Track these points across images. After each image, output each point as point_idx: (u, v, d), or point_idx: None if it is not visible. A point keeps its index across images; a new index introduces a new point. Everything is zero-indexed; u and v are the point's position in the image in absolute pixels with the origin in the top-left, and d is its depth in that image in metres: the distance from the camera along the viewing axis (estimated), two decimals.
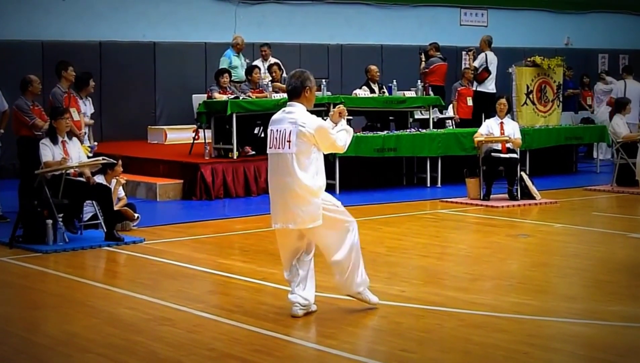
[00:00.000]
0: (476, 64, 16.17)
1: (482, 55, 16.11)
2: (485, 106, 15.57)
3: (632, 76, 17.71)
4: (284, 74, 14.91)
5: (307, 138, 6.28)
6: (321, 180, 6.40)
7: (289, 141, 6.28)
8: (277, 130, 6.39)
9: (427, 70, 16.71)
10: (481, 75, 16.01)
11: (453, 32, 20.92)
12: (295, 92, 6.44)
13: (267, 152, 6.51)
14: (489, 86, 16.06)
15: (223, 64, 15.38)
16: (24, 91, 10.82)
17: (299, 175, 6.27)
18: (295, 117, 6.35)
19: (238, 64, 15.56)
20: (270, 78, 15.11)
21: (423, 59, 16.95)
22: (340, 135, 6.50)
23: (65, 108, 10.31)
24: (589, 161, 17.50)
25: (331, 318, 6.29)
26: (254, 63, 15.49)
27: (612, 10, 24.01)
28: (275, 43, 17.29)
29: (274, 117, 6.53)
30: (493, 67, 16.03)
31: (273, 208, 6.49)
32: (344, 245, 6.47)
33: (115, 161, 10.25)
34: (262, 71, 15.29)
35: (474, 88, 16.38)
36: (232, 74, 14.80)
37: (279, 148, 6.35)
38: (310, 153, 6.32)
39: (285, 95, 13.58)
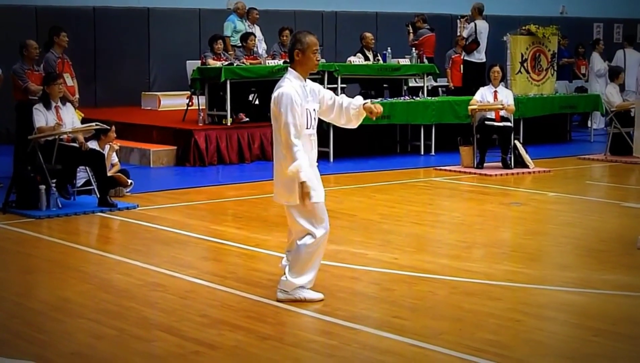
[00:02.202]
0: (465, 34, 16.07)
1: (472, 25, 16.01)
2: (474, 76, 15.52)
3: (632, 46, 17.66)
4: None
5: (275, 109, 5.91)
6: (296, 159, 5.79)
7: (269, 113, 6.06)
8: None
9: (416, 42, 16.61)
10: (470, 46, 15.92)
11: (447, 0, 20.77)
12: (289, 56, 6.14)
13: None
14: (478, 56, 15.98)
15: (227, 29, 15.23)
16: (21, 55, 10.79)
17: (280, 148, 5.93)
18: (277, 85, 6.01)
19: (242, 28, 15.39)
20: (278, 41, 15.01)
21: (410, 31, 16.85)
22: (297, 154, 5.76)
23: (58, 74, 10.25)
24: (583, 130, 17.49)
25: (323, 285, 6.28)
26: (249, 31, 15.36)
27: None
28: (270, 10, 17.18)
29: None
30: (483, 37, 15.93)
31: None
32: (296, 244, 6.06)
33: (108, 127, 10.19)
34: (258, 37, 15.17)
35: (463, 57, 16.31)
36: (236, 40, 14.67)
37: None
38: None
39: (280, 62, 13.71)
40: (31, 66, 10.77)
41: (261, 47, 15.26)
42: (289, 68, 6.12)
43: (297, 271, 6.03)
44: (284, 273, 6.08)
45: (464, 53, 16.22)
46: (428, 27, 16.87)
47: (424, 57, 15.73)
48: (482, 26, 15.95)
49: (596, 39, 19.74)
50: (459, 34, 17.79)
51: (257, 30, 15.61)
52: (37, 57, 10.93)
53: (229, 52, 14.51)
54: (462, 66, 16.47)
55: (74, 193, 9.85)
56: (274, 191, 6.14)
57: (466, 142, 12.58)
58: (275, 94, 5.93)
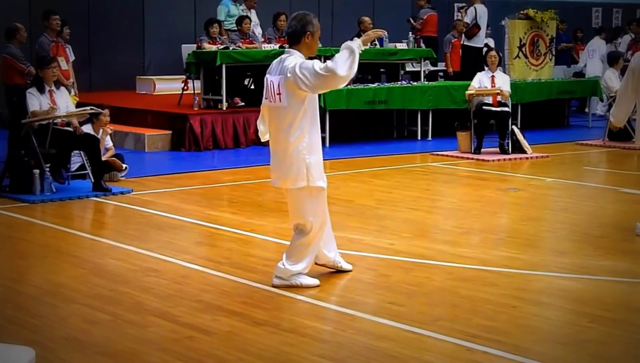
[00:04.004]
0: (467, 20, 15.98)
1: (472, 9, 15.94)
2: (474, 61, 15.45)
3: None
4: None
5: (292, 86, 5.72)
6: (309, 139, 5.84)
7: (279, 94, 5.83)
8: (270, 81, 5.88)
9: (422, 20, 16.56)
10: (472, 30, 15.85)
11: None
12: (295, 37, 5.85)
13: (263, 103, 6.04)
14: (478, 41, 15.91)
15: (221, 13, 15.11)
16: (10, 39, 10.69)
17: (290, 130, 5.82)
18: (285, 64, 5.78)
19: (236, 12, 15.29)
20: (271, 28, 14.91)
21: (413, 23, 16.79)
22: (339, 57, 5.65)
23: (53, 57, 10.18)
24: (581, 115, 17.44)
25: (319, 270, 6.26)
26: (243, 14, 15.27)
27: None
28: None
29: (272, 65, 6.00)
30: (483, 21, 15.89)
31: (270, 163, 6.10)
32: (296, 230, 6.04)
33: (102, 111, 10.13)
34: (254, 22, 15.08)
35: (462, 42, 16.24)
36: (231, 23, 14.58)
37: (271, 100, 5.91)
38: (301, 106, 5.79)
39: (276, 46, 13.65)
40: (21, 50, 10.70)
41: (257, 31, 15.17)
42: (292, 50, 5.90)
43: (295, 258, 6.00)
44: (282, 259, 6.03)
45: (464, 38, 16.12)
46: (430, 5, 16.83)
47: (421, 41, 15.67)
48: (482, 10, 15.87)
49: (601, 27, 19.70)
50: (457, 17, 17.73)
51: (253, 14, 15.52)
52: (24, 42, 10.88)
53: (224, 37, 14.42)
54: (461, 50, 16.40)
55: (68, 177, 9.80)
56: (274, 175, 6.04)
57: (463, 127, 12.54)
58: (293, 65, 5.67)
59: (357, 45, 5.72)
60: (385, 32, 6.09)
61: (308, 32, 5.84)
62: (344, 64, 5.65)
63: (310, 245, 6.03)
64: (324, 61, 5.92)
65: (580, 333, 5.17)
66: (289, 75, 5.73)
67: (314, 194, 5.94)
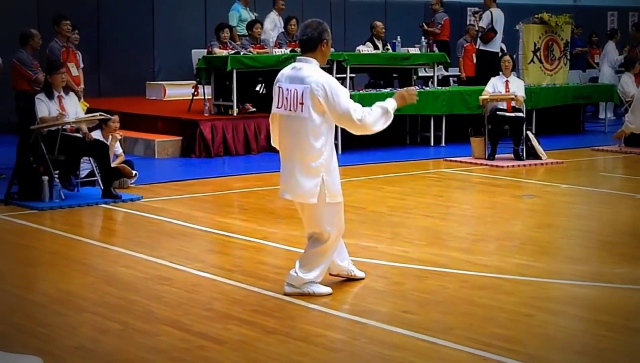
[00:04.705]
0: (483, 24, 15.83)
1: (487, 13, 15.78)
2: (489, 66, 15.35)
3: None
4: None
5: (316, 100, 5.64)
6: (327, 154, 5.75)
7: (302, 103, 5.68)
8: (287, 89, 5.73)
9: (441, 25, 16.54)
10: (488, 35, 15.72)
11: None
12: (310, 45, 5.76)
13: (275, 112, 5.86)
14: (494, 45, 15.81)
15: (233, 19, 15.09)
16: (24, 44, 10.67)
17: (309, 142, 5.71)
18: (307, 74, 5.69)
19: (248, 17, 15.26)
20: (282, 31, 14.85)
21: (426, 28, 16.75)
22: (374, 113, 5.71)
23: (61, 63, 10.15)
24: (596, 120, 17.32)
25: (332, 278, 6.20)
26: (254, 18, 15.19)
27: None
28: None
29: (283, 72, 5.87)
30: (499, 26, 15.77)
31: (281, 172, 6.03)
32: (311, 240, 5.97)
33: (112, 117, 10.09)
34: (278, 26, 14.99)
35: (478, 47, 16.14)
36: (243, 28, 14.52)
37: (290, 109, 5.71)
38: (322, 118, 5.68)
39: (287, 51, 13.60)
40: (34, 56, 10.67)
41: (276, 36, 15.04)
42: (307, 57, 5.82)
43: (309, 266, 5.93)
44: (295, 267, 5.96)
45: (480, 43, 16.01)
46: (443, 9, 16.84)
47: (434, 46, 15.61)
48: (498, 14, 15.74)
49: (613, 29, 19.57)
50: (470, 22, 17.67)
51: (278, 19, 15.36)
52: (39, 47, 10.84)
53: (236, 42, 14.39)
54: (475, 55, 16.30)
55: (78, 184, 9.77)
56: (285, 187, 5.93)
57: (477, 133, 12.47)
58: (325, 85, 5.62)
59: (392, 106, 5.83)
60: (416, 91, 6.12)
61: (324, 40, 5.79)
62: (378, 121, 5.77)
63: (325, 253, 5.96)
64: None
65: (596, 342, 5.11)
66: (316, 89, 5.65)
67: (331, 205, 5.88)
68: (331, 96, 5.66)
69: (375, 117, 5.74)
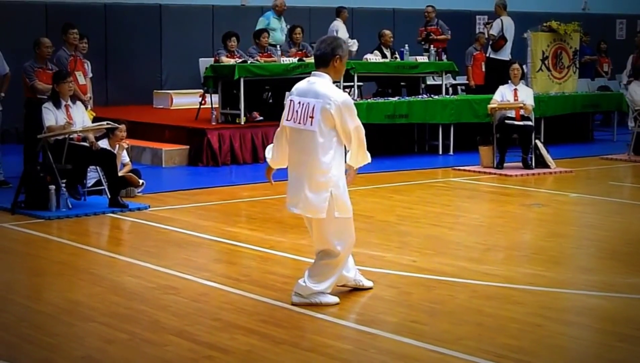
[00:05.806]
0: (494, 32, 15.73)
1: (498, 21, 15.70)
2: (499, 74, 15.29)
3: None
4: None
5: (330, 116, 5.68)
6: (335, 170, 5.78)
7: (312, 117, 5.71)
8: (299, 102, 5.78)
9: (448, 30, 16.56)
10: (498, 43, 15.64)
11: None
12: (324, 60, 5.81)
13: (285, 124, 5.90)
14: (504, 54, 15.75)
15: (260, 24, 14.97)
16: (34, 53, 10.72)
17: (318, 157, 5.73)
18: (318, 88, 5.74)
19: (277, 26, 15.15)
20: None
21: (435, 37, 16.71)
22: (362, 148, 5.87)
23: (68, 72, 10.15)
24: (605, 129, 17.25)
25: (340, 288, 6.17)
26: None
27: None
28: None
29: (298, 86, 5.92)
30: (509, 34, 15.71)
31: (288, 185, 6.03)
32: (320, 253, 5.96)
33: (119, 126, 10.08)
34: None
35: (488, 55, 16.08)
36: (269, 36, 14.47)
37: (299, 122, 5.79)
38: (331, 132, 5.71)
39: (295, 59, 13.58)
40: (43, 64, 10.67)
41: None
42: (323, 73, 5.85)
43: (319, 278, 5.90)
44: (303, 277, 5.93)
45: (490, 50, 15.94)
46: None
47: (442, 54, 15.57)
48: (508, 23, 15.68)
49: None
50: (480, 30, 17.62)
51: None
52: (50, 56, 10.83)
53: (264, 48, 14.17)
54: (484, 63, 16.24)
55: (85, 193, 9.75)
56: (292, 201, 5.92)
57: (486, 141, 12.42)
58: (339, 102, 5.68)
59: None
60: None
61: (337, 56, 5.83)
62: (365, 146, 5.94)
63: (337, 267, 5.95)
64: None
65: (608, 353, 5.08)
66: (331, 105, 5.67)
67: (340, 220, 5.86)
68: (345, 112, 5.71)
69: (366, 153, 5.95)
